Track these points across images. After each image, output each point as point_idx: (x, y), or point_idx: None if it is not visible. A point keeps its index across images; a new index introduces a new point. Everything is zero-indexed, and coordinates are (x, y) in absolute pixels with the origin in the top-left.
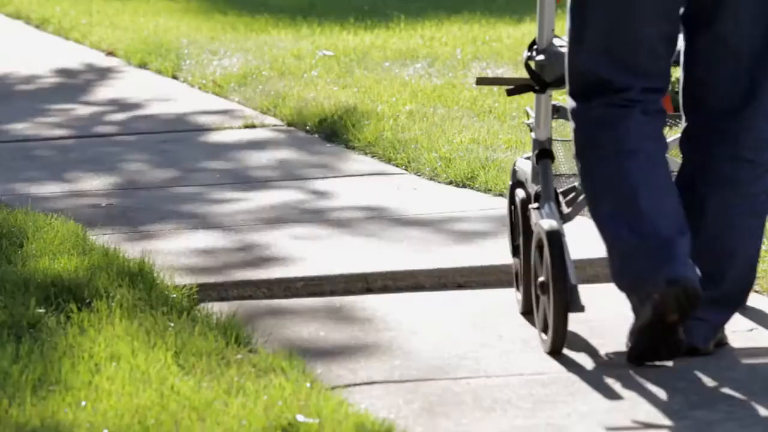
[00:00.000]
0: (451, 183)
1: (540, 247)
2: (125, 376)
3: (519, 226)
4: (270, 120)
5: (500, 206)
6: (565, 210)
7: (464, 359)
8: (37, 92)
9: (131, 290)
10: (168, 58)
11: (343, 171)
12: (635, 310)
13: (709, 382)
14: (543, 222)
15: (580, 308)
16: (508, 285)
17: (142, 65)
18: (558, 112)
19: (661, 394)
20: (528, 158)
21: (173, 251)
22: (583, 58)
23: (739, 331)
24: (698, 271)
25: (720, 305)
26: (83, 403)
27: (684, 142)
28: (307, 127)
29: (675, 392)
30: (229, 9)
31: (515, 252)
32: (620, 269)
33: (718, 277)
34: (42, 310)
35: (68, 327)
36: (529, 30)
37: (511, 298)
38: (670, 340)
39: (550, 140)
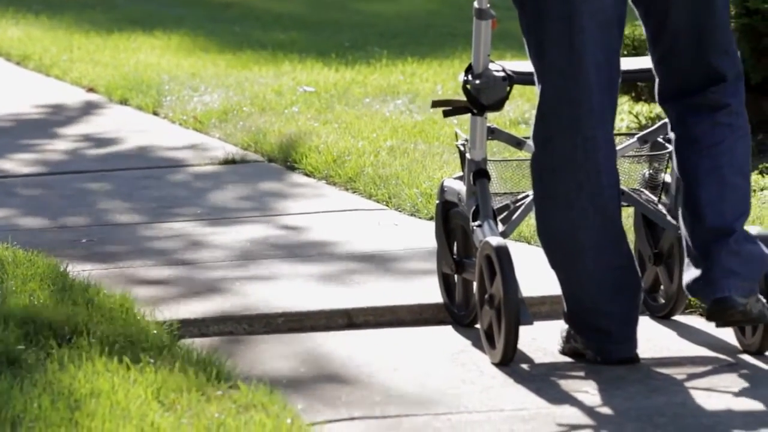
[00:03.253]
0: (432, 219)
1: (488, 262)
2: (105, 412)
3: (461, 241)
4: (251, 156)
5: None
6: (501, 228)
7: (445, 395)
8: (17, 128)
9: (111, 326)
10: (149, 94)
11: (324, 207)
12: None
13: (693, 421)
14: (490, 239)
15: (529, 321)
16: None
17: (123, 101)
18: (493, 133)
19: (643, 430)
20: (458, 178)
21: (153, 287)
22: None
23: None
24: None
25: (741, 255)
26: None
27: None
28: (288, 163)
29: (656, 428)
30: (210, 45)
31: (458, 268)
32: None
33: (730, 230)
34: (22, 347)
35: (48, 363)
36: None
37: None
38: None
39: (485, 160)
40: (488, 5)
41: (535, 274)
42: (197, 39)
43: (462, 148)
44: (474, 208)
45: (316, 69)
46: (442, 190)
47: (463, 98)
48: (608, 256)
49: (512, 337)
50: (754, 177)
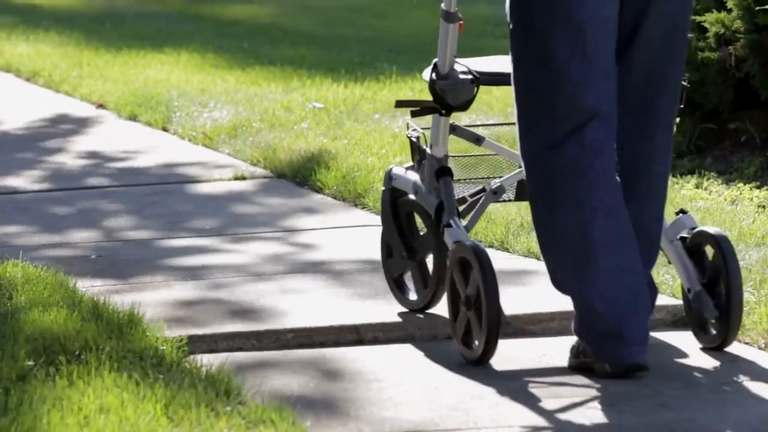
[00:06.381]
0: None
1: (464, 265)
2: (115, 428)
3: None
4: (260, 172)
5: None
6: (463, 223)
7: (454, 411)
8: (27, 144)
9: (120, 342)
10: (158, 110)
11: (333, 223)
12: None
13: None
14: (465, 241)
15: (510, 326)
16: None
17: (132, 117)
18: (455, 130)
19: None
20: (409, 168)
21: (162, 303)
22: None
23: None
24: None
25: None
26: None
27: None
28: (297, 179)
29: None
30: (219, 62)
31: (410, 254)
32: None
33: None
34: (31, 363)
35: (57, 379)
36: None
37: (500, 349)
38: None
39: (447, 157)
40: (456, 9)
41: (544, 289)
42: (206, 55)
43: (415, 140)
44: (437, 204)
45: (326, 85)
46: (390, 177)
47: (429, 98)
48: (619, 258)
49: (493, 338)
50: (764, 193)
